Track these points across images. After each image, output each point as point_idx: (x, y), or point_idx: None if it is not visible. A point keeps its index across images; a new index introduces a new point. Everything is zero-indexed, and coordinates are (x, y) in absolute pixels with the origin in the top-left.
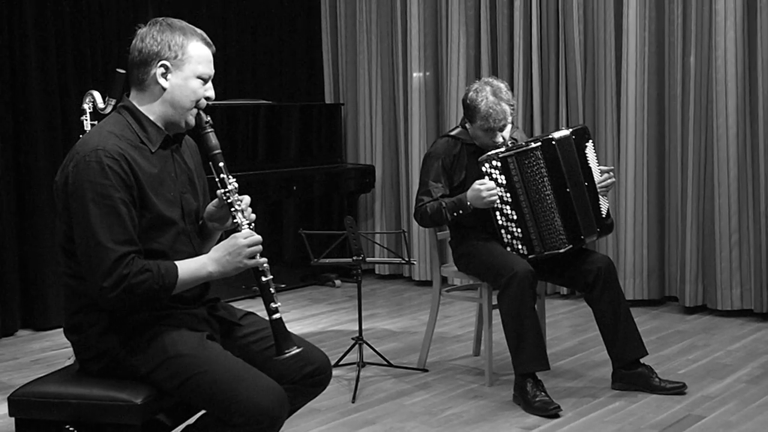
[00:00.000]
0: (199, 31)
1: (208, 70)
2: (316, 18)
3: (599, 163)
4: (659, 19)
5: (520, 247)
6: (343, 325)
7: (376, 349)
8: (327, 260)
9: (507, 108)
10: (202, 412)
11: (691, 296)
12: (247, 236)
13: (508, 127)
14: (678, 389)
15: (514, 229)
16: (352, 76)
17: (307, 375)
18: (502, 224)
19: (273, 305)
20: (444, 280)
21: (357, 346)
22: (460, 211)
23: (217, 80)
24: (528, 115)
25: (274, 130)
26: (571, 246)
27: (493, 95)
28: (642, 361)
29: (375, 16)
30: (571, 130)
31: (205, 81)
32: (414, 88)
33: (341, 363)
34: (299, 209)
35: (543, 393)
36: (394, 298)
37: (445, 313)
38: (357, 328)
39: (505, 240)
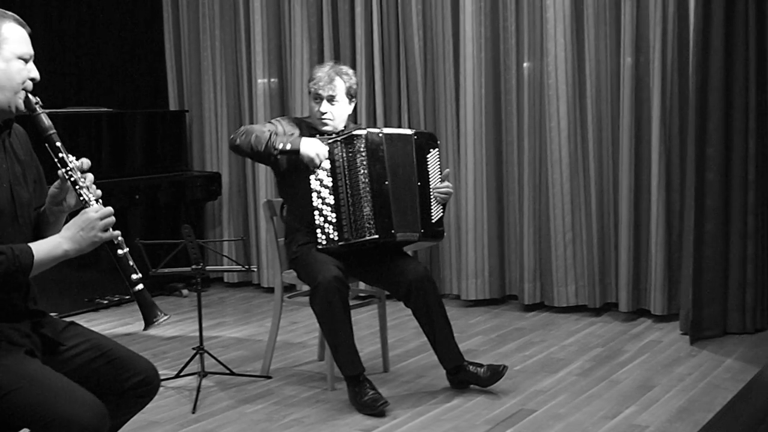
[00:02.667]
0: (9, 13)
1: (28, 49)
2: (159, 24)
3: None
4: (494, 26)
5: (331, 231)
6: (189, 334)
7: (221, 358)
8: (166, 270)
9: (338, 80)
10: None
11: (530, 294)
12: (98, 210)
13: (342, 106)
14: (502, 370)
15: (329, 214)
16: (197, 83)
17: (133, 386)
18: (317, 206)
19: (135, 276)
20: (293, 287)
21: (198, 355)
22: (289, 146)
23: (57, 88)
24: (371, 120)
25: (117, 139)
26: (377, 236)
27: (331, 67)
28: (476, 360)
29: (218, 22)
30: (415, 131)
31: (26, 61)
32: (259, 94)
33: (183, 374)
34: (145, 218)
35: (372, 390)
36: (241, 306)
37: (292, 319)
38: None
39: (317, 222)
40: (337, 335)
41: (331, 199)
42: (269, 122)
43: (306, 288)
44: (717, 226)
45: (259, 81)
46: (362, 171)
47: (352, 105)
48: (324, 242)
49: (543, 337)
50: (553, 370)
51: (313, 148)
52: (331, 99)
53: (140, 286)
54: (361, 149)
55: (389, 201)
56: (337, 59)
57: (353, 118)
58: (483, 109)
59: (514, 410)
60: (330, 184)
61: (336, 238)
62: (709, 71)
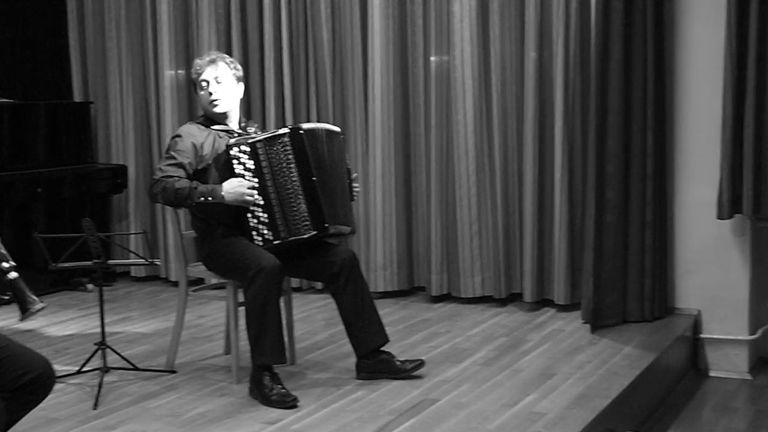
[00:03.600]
0: None
1: None
2: (62, 13)
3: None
4: (402, 19)
5: (265, 232)
6: (92, 330)
7: (125, 353)
8: (66, 264)
9: (221, 62)
10: None
11: (437, 286)
12: None
13: (229, 86)
14: (418, 366)
15: (261, 215)
16: (102, 74)
17: (27, 383)
18: (249, 209)
19: (5, 265)
20: (201, 281)
21: (100, 351)
22: (210, 199)
23: None
24: (280, 114)
25: (19, 130)
26: (315, 232)
27: (213, 55)
28: (383, 348)
29: (124, 12)
30: (325, 125)
31: None
32: (166, 86)
33: (84, 370)
34: (49, 212)
35: (280, 386)
36: (148, 301)
37: (200, 312)
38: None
39: (251, 224)
40: (267, 323)
41: (260, 200)
42: (174, 152)
43: (216, 281)
44: (616, 218)
45: (167, 73)
46: (290, 169)
47: (241, 88)
48: (261, 244)
49: (449, 327)
50: (457, 360)
51: (236, 193)
52: (216, 79)
53: (14, 275)
54: (287, 147)
55: (319, 196)
56: (245, 51)
57: (260, 111)
58: (391, 102)
59: (417, 400)
60: (257, 185)
61: (271, 238)
62: (609, 66)
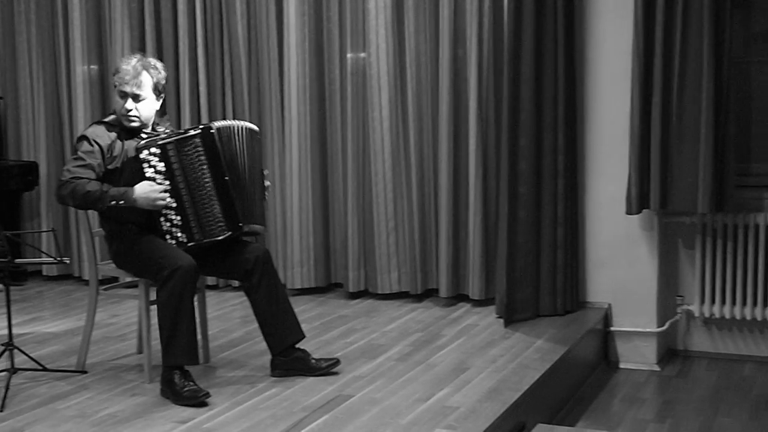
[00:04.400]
0: None
1: None
2: None
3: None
4: (318, 16)
5: (179, 235)
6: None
7: (35, 353)
8: None
9: (145, 74)
10: None
11: (354, 282)
12: None
13: (149, 102)
14: (333, 364)
15: (174, 217)
16: (12, 69)
17: None
18: (162, 212)
19: None
20: (115, 279)
21: (8, 352)
22: (121, 202)
23: None
24: (195, 110)
25: None
26: (230, 233)
27: (138, 60)
28: (298, 346)
29: (34, 6)
30: (239, 122)
31: None
32: (78, 82)
33: None
34: None
35: (191, 383)
36: (60, 300)
37: (113, 311)
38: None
39: (164, 228)
40: (181, 322)
41: (173, 202)
42: (82, 153)
43: (130, 279)
44: (529, 213)
45: (79, 68)
46: (203, 170)
47: (160, 101)
48: (175, 246)
49: (366, 323)
50: (372, 355)
51: (147, 197)
52: (136, 97)
53: None
54: (198, 148)
55: (232, 196)
56: (159, 47)
57: (175, 108)
58: (307, 99)
59: (331, 396)
60: (169, 187)
61: (185, 241)
62: (521, 65)
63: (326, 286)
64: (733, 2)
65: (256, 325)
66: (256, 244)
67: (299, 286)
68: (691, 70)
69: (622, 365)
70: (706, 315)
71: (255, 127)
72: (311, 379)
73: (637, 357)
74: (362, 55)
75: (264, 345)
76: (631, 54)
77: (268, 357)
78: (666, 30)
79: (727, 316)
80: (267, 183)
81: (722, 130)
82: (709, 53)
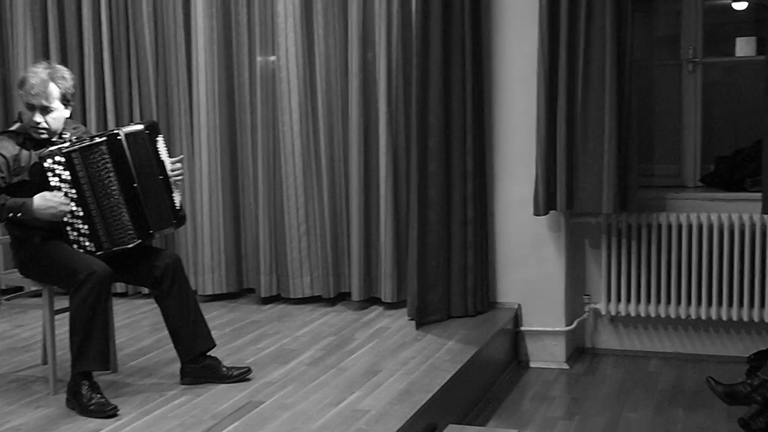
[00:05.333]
0: None
1: None
2: None
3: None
4: (226, 19)
5: (87, 244)
6: None
7: None
8: None
9: (52, 86)
10: None
11: (266, 287)
12: None
13: (57, 114)
14: (244, 374)
15: (81, 226)
16: None
17: None
18: (68, 221)
19: None
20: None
21: None
22: (19, 215)
23: None
24: (101, 113)
25: None
26: (140, 240)
27: (45, 69)
28: (210, 353)
29: None
30: (143, 124)
31: None
32: None
33: None
34: None
35: (99, 395)
36: None
37: (17, 322)
38: None
39: (71, 237)
40: (94, 329)
41: (80, 211)
42: None
43: (35, 288)
44: (439, 215)
45: None
46: (110, 178)
47: (69, 110)
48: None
49: (278, 329)
50: (284, 361)
51: (47, 207)
52: (45, 109)
53: None
54: (105, 156)
55: (141, 203)
56: (63, 51)
57: (81, 112)
58: (216, 103)
59: (242, 403)
60: (75, 196)
61: (94, 249)
62: (429, 68)
63: (238, 292)
64: (634, 7)
65: (166, 332)
66: (167, 252)
67: (211, 292)
68: (595, 74)
69: (532, 364)
70: (613, 313)
71: (156, 123)
72: (221, 386)
73: (547, 356)
74: (272, 58)
75: (174, 353)
76: (536, 57)
77: (178, 365)
78: (570, 34)
79: (633, 314)
80: (179, 174)
81: (625, 132)
82: (611, 57)
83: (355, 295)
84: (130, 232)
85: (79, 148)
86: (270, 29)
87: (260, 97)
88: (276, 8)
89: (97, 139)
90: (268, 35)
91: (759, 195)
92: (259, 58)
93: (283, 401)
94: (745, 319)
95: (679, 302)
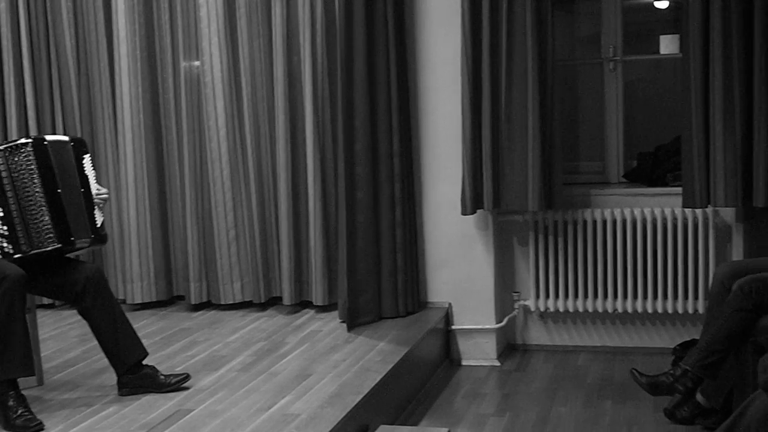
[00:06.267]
0: None
1: None
2: None
3: (96, 177)
4: (149, 24)
5: (5, 245)
6: None
7: None
8: None
9: None
10: None
11: (196, 294)
12: None
13: None
14: (183, 380)
15: (0, 227)
16: None
17: None
18: None
19: None
20: None
21: None
22: None
23: None
24: (23, 121)
25: None
26: (60, 245)
27: None
28: (146, 362)
29: None
30: (69, 137)
31: None
32: None
33: None
34: None
35: (25, 409)
36: None
37: None
38: None
39: None
40: (13, 333)
41: (0, 212)
42: None
43: None
44: (368, 218)
45: None
46: (34, 180)
47: None
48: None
49: (208, 335)
50: (214, 367)
51: None
52: None
53: None
54: (29, 159)
55: (64, 209)
56: None
57: (1, 120)
58: (141, 109)
59: (171, 412)
60: None
61: (12, 252)
62: (353, 70)
63: (168, 300)
64: (556, 7)
65: (94, 343)
66: (87, 264)
67: (140, 301)
68: (517, 75)
69: (464, 362)
70: (542, 309)
71: (81, 139)
72: (150, 395)
73: (478, 353)
74: (196, 63)
75: (103, 363)
76: (460, 58)
77: (107, 375)
78: (492, 35)
79: (561, 309)
80: (104, 194)
81: (549, 131)
82: (533, 58)
83: (287, 299)
84: (50, 235)
85: (4, 148)
86: (193, 34)
87: (185, 103)
88: (199, 13)
89: (23, 140)
90: (192, 40)
91: (680, 189)
92: (183, 64)
93: (213, 408)
94: (670, 311)
95: (606, 296)
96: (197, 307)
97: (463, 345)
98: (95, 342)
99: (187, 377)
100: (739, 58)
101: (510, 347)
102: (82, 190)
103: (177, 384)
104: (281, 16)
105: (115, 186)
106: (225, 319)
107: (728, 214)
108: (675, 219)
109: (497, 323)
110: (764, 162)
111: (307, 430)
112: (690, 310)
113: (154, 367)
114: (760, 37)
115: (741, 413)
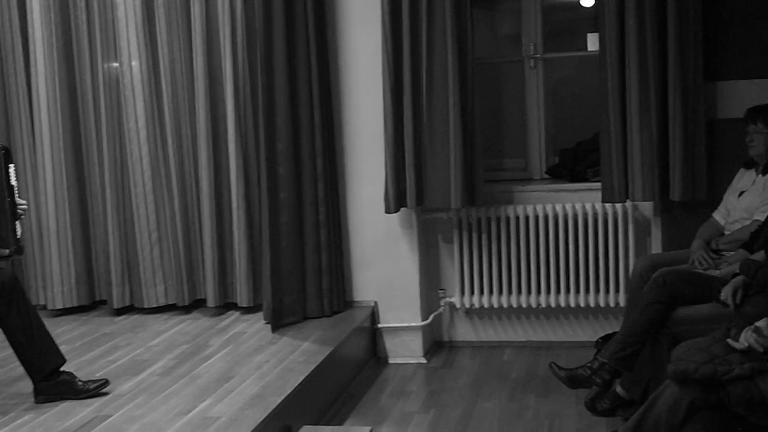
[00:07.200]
0: None
1: None
2: None
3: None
4: (65, 26)
5: None
6: None
7: None
8: None
9: None
10: None
11: (119, 298)
12: None
13: None
14: (101, 385)
15: None
16: None
17: None
18: None
19: None
20: None
21: None
22: None
23: None
24: None
25: None
26: None
27: None
28: (63, 369)
29: None
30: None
31: None
32: None
33: None
34: None
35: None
36: None
37: None
38: None
39: None
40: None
41: None
42: None
43: None
44: (291, 218)
45: None
46: None
47: None
48: None
49: (130, 340)
50: (135, 372)
51: None
52: None
53: None
54: None
55: None
56: None
57: None
58: (59, 111)
59: (89, 418)
60: None
61: None
62: (274, 70)
63: (90, 305)
64: (478, 6)
65: (9, 351)
66: (1, 270)
67: (61, 306)
68: (438, 73)
69: (390, 360)
70: (467, 306)
71: (7, 147)
72: (68, 402)
73: (405, 351)
74: (114, 64)
75: (19, 371)
76: (381, 56)
77: (24, 383)
78: (412, 34)
79: (486, 306)
80: (24, 205)
81: (470, 128)
82: (453, 55)
83: (211, 302)
84: None
85: None
86: (111, 35)
87: (104, 104)
88: (116, 13)
89: None
90: (110, 41)
91: (600, 185)
92: (101, 65)
93: (131, 413)
94: (593, 304)
95: (529, 292)
96: (120, 312)
97: (390, 343)
98: (10, 351)
99: (105, 383)
100: (654, 56)
101: (436, 344)
102: (9, 199)
103: (95, 390)
104: (200, 15)
105: (34, 191)
106: (148, 323)
107: (647, 208)
108: (596, 214)
109: (423, 321)
110: (680, 157)
111: None
112: (612, 304)
113: (71, 374)
114: (673, 35)
115: (651, 404)
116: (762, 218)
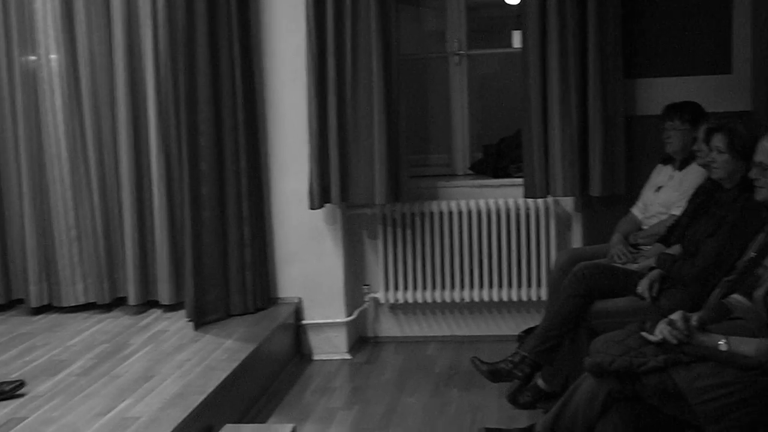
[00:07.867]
0: None
1: None
2: None
3: None
4: None
5: None
6: None
7: None
8: None
9: None
10: None
11: (36, 296)
12: None
13: None
14: (17, 387)
15: None
16: None
17: None
18: None
19: None
20: None
21: None
22: None
23: None
24: None
25: None
26: None
27: None
28: None
29: None
30: None
31: None
32: None
33: None
34: None
35: None
36: None
37: None
38: None
39: None
40: None
41: None
42: None
43: None
44: (214, 213)
45: None
46: None
47: None
48: None
49: (48, 339)
50: (52, 373)
51: None
52: None
53: None
54: None
55: None
56: None
57: None
58: None
59: (3, 420)
60: None
61: None
62: (196, 67)
63: (6, 303)
64: (401, 2)
65: None
66: None
67: None
68: (362, 69)
69: (315, 357)
70: (392, 301)
71: None
72: None
73: (329, 347)
74: (32, 58)
75: None
76: (305, 53)
77: None
78: (337, 29)
79: (410, 301)
80: None
81: (394, 124)
82: (378, 52)
83: (132, 300)
84: None
85: None
86: (28, 27)
87: (21, 99)
88: (33, 6)
89: None
90: (27, 34)
91: (522, 180)
92: (18, 58)
93: (48, 415)
94: (515, 298)
95: (453, 287)
96: (38, 311)
97: (314, 339)
98: None
99: (21, 384)
100: (575, 54)
101: (361, 340)
102: None
103: (11, 392)
104: (121, 8)
105: None
106: (67, 322)
107: (568, 203)
108: (518, 209)
109: (348, 317)
110: (600, 153)
111: None
112: (534, 298)
113: None
114: (593, 34)
115: (569, 396)
116: (678, 213)
